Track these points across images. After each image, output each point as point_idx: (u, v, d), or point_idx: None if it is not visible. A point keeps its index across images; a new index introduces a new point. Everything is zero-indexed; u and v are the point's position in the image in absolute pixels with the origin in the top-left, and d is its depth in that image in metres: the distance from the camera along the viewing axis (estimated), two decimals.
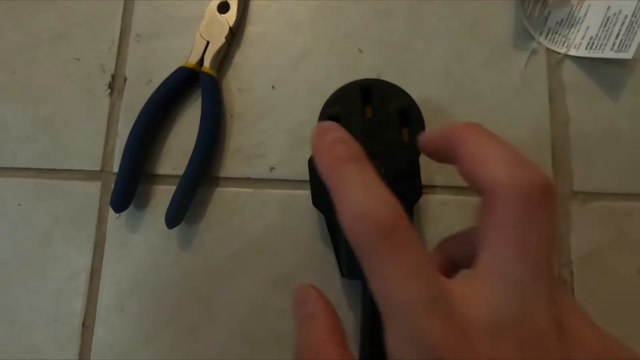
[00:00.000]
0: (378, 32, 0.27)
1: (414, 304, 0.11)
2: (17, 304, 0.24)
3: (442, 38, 0.26)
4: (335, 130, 0.15)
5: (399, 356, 0.11)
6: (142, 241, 0.25)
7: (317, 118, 0.21)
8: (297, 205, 0.25)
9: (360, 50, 0.26)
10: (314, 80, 0.26)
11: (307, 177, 0.24)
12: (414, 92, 0.21)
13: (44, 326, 0.24)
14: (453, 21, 0.26)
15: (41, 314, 0.24)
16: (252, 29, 0.27)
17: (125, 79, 0.26)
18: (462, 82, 0.26)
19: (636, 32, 0.23)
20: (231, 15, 0.26)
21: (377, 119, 0.19)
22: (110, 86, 0.26)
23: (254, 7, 0.27)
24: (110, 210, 0.25)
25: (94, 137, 0.26)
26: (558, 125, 0.25)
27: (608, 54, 0.24)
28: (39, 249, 0.25)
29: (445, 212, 0.24)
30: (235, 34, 0.26)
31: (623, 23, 0.24)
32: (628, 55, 0.23)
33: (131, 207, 0.25)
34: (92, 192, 0.25)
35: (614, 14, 0.24)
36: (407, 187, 0.21)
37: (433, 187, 0.25)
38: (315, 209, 0.23)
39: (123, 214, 0.25)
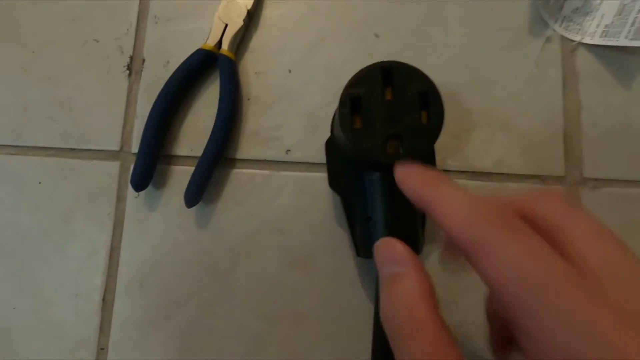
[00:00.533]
0: (395, 17, 0.27)
1: (560, 281, 0.10)
2: (39, 279, 0.25)
3: (458, 24, 0.27)
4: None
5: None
6: (160, 220, 0.25)
7: (335, 100, 0.21)
8: (312, 187, 0.25)
9: (377, 36, 0.27)
10: (331, 65, 0.26)
11: (323, 159, 0.24)
12: (429, 77, 0.22)
13: (65, 301, 0.25)
14: (469, 8, 0.27)
15: (63, 289, 0.25)
16: (269, 12, 0.27)
17: (144, 61, 0.27)
18: (477, 68, 0.26)
19: None
20: None
21: (398, 101, 0.19)
22: (129, 67, 0.27)
23: None
24: (129, 189, 0.25)
25: (113, 118, 0.26)
26: (570, 113, 0.26)
27: (623, 42, 0.24)
28: (60, 226, 0.26)
29: None
30: (252, 17, 0.27)
31: (639, 11, 0.24)
32: None
33: (150, 186, 0.25)
34: (111, 172, 0.26)
35: (630, 2, 0.24)
36: None
37: (446, 171, 0.25)
38: (330, 191, 0.24)
39: (142, 193, 0.25)
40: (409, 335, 0.12)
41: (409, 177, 0.15)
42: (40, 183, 0.26)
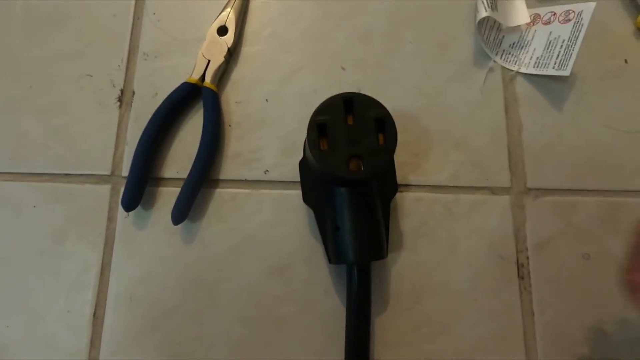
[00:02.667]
0: (359, 52, 0.31)
1: None
2: (33, 296, 0.27)
3: (413, 58, 0.30)
4: None
5: None
6: (149, 238, 0.27)
7: (306, 127, 0.24)
8: (289, 203, 0.28)
9: (343, 68, 0.30)
10: (303, 94, 0.30)
11: (297, 178, 0.27)
12: (390, 104, 0.25)
13: (57, 316, 0.26)
14: (422, 44, 0.31)
15: (55, 305, 0.26)
16: (247, 50, 0.30)
17: (134, 93, 0.30)
18: (431, 96, 0.30)
19: (572, 53, 0.28)
20: (229, 37, 0.29)
21: (358, 125, 0.22)
22: (120, 99, 0.29)
23: (249, 31, 0.31)
24: (120, 209, 0.27)
25: (104, 145, 0.29)
26: (513, 132, 0.29)
27: (551, 71, 0.28)
28: (53, 246, 0.27)
29: (419, 208, 0.28)
30: (233, 54, 0.30)
31: (562, 46, 0.28)
32: (566, 72, 0.28)
33: (139, 207, 0.27)
34: (102, 194, 0.28)
35: (555, 38, 0.29)
36: (384, 184, 0.25)
37: (407, 186, 0.28)
38: (304, 206, 0.26)
39: (131, 213, 0.28)
40: None
41: None
42: (34, 206, 0.28)
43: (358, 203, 0.23)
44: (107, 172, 0.28)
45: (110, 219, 0.28)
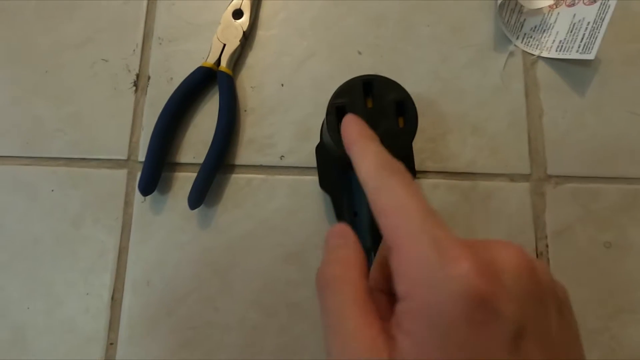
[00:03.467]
0: (374, 37, 0.30)
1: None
2: (51, 280, 0.27)
3: (429, 42, 0.30)
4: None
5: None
6: (165, 222, 0.27)
7: (323, 110, 0.24)
8: (304, 189, 0.28)
9: (360, 53, 0.30)
10: (318, 79, 0.29)
11: (313, 164, 0.27)
12: (407, 89, 0.24)
13: (76, 300, 0.27)
14: (439, 27, 0.30)
15: (74, 288, 0.27)
16: (262, 34, 0.30)
17: (149, 78, 0.29)
18: (448, 81, 0.29)
19: (597, 36, 0.27)
20: (244, 21, 0.29)
21: (377, 108, 0.22)
22: (135, 84, 0.29)
23: (264, 15, 0.30)
24: (136, 194, 0.27)
25: (120, 130, 0.29)
26: (533, 118, 0.29)
27: (574, 55, 0.28)
28: (71, 230, 0.27)
29: (436, 195, 0.28)
30: (248, 38, 0.30)
31: (586, 28, 0.27)
32: (591, 56, 0.27)
33: (155, 191, 0.27)
34: (119, 179, 0.28)
35: (579, 20, 0.28)
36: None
37: (425, 172, 0.28)
38: (320, 192, 0.26)
39: (148, 198, 0.28)
40: (339, 285, 0.14)
41: (345, 127, 0.18)
42: (52, 191, 0.28)
43: None
44: (124, 157, 0.28)
45: (127, 203, 0.28)
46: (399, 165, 0.15)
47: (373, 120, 0.22)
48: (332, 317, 0.14)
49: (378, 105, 0.22)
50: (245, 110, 0.29)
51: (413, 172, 0.25)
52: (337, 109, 0.22)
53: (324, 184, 0.25)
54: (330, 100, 0.22)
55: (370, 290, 0.14)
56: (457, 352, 0.11)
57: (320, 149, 0.26)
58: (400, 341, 0.12)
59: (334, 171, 0.25)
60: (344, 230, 0.17)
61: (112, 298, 0.27)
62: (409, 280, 0.13)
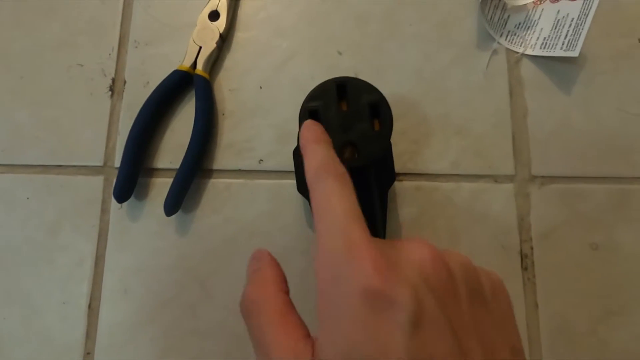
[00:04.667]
0: (355, 36, 0.29)
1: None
2: (28, 289, 0.27)
3: (412, 41, 0.29)
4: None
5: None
6: (142, 229, 0.27)
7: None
8: (284, 193, 0.27)
9: (340, 53, 0.29)
10: (298, 80, 0.29)
11: (292, 167, 0.26)
12: (389, 89, 0.24)
13: (53, 309, 0.26)
14: (422, 25, 0.29)
15: (51, 297, 0.26)
16: (240, 35, 0.29)
17: (125, 82, 0.29)
18: (431, 80, 0.29)
19: (581, 32, 0.26)
20: (221, 23, 0.28)
21: (351, 111, 0.21)
22: (111, 89, 0.29)
23: (242, 15, 0.30)
24: (113, 201, 0.27)
25: (96, 136, 0.28)
26: (518, 117, 0.28)
27: (559, 52, 0.27)
28: (47, 238, 0.27)
29: (418, 197, 0.27)
30: (225, 40, 0.29)
31: (570, 25, 0.27)
32: (575, 53, 0.26)
33: (132, 198, 0.27)
34: (95, 186, 0.28)
35: (563, 17, 0.27)
36: (381, 173, 0.24)
37: (407, 174, 0.27)
38: (300, 196, 0.26)
39: (124, 204, 0.27)
40: (258, 306, 0.16)
41: (302, 132, 0.19)
42: (28, 198, 0.28)
43: None
44: (100, 163, 0.28)
45: (104, 210, 0.27)
46: (338, 168, 0.16)
47: (348, 123, 0.21)
48: (255, 334, 0.15)
49: (353, 107, 0.21)
50: (223, 114, 0.28)
51: (392, 174, 0.25)
52: (310, 113, 0.21)
53: (301, 188, 0.25)
54: (303, 104, 0.21)
55: (288, 302, 0.16)
56: (360, 338, 0.12)
57: (298, 153, 0.25)
58: (318, 338, 0.14)
59: None
60: (259, 253, 0.18)
61: (90, 306, 0.26)
62: (321, 275, 0.14)
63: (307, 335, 0.14)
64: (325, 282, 0.14)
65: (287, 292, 0.17)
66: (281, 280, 0.17)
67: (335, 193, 0.15)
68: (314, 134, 0.19)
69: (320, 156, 0.17)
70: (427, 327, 0.12)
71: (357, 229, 0.14)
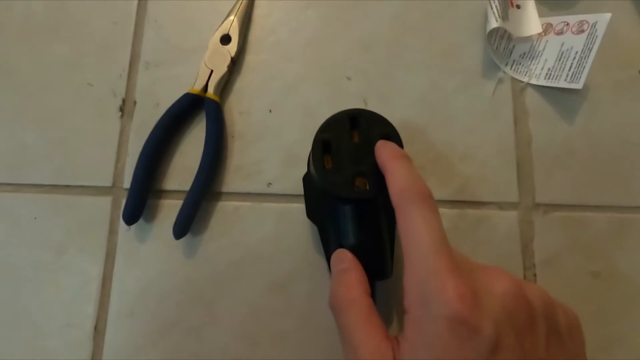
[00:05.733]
0: (363, 61, 0.30)
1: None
2: (33, 310, 0.26)
3: (418, 67, 0.30)
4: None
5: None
6: (150, 251, 0.27)
7: (311, 137, 0.24)
8: (292, 218, 0.27)
9: (348, 78, 0.30)
10: (307, 105, 0.29)
11: (301, 191, 0.26)
12: (395, 115, 0.24)
13: (58, 330, 0.26)
14: (428, 53, 0.30)
15: (56, 319, 0.26)
16: (251, 59, 0.30)
17: (135, 103, 0.29)
18: (437, 106, 0.29)
19: (585, 66, 0.27)
20: (232, 47, 0.29)
21: (363, 143, 0.21)
22: (121, 109, 0.29)
23: (253, 39, 0.30)
24: (121, 222, 0.27)
25: (105, 156, 0.28)
26: (522, 145, 0.29)
27: (562, 84, 0.28)
28: (54, 259, 0.27)
29: None
30: (236, 63, 0.29)
31: (574, 58, 0.27)
32: (579, 85, 0.27)
33: (140, 219, 0.27)
34: (103, 206, 0.28)
35: (567, 49, 0.28)
36: (390, 202, 0.24)
37: None
38: (308, 221, 0.26)
39: (133, 226, 0.27)
40: (346, 307, 0.18)
41: (378, 150, 0.21)
42: (35, 218, 0.28)
43: (362, 221, 0.23)
44: (109, 184, 0.28)
45: (112, 231, 0.27)
46: (422, 188, 0.18)
47: (359, 155, 0.22)
48: (344, 333, 0.18)
49: (364, 139, 0.22)
50: (232, 137, 0.28)
51: None
52: (322, 144, 0.21)
53: (310, 214, 0.25)
54: (316, 135, 0.22)
55: (371, 304, 0.18)
56: (441, 355, 0.14)
57: (307, 179, 0.26)
58: (401, 344, 0.16)
59: (321, 202, 0.25)
60: (343, 253, 0.20)
61: (95, 329, 0.26)
62: (410, 297, 0.16)
63: (387, 335, 0.17)
64: (414, 303, 0.16)
65: (370, 294, 0.19)
66: (365, 281, 0.19)
67: (424, 218, 0.17)
68: (392, 151, 0.20)
69: (404, 174, 0.18)
70: (504, 357, 0.14)
71: (444, 257, 0.16)
